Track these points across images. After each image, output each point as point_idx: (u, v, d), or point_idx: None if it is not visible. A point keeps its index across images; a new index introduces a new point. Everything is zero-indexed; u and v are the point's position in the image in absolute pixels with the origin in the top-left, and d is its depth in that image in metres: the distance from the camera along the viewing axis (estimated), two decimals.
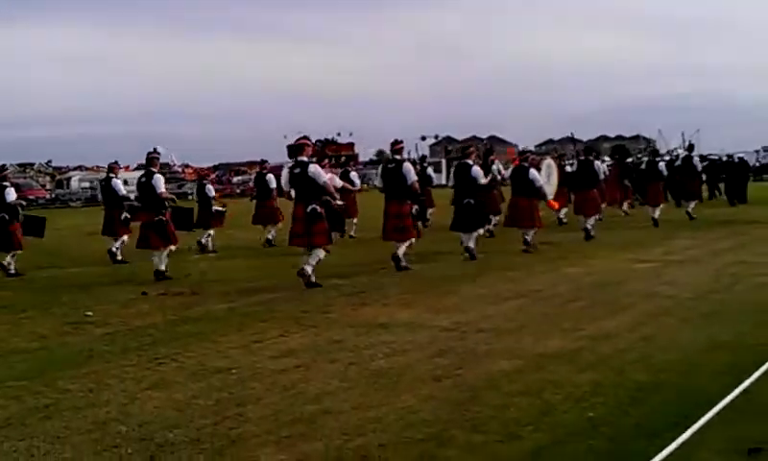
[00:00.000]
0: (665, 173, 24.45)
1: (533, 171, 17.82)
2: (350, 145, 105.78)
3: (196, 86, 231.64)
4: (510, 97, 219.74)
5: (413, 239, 15.07)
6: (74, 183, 73.63)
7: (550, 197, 18.99)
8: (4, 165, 20.37)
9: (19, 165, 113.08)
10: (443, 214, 22.65)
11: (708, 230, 21.21)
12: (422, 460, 5.24)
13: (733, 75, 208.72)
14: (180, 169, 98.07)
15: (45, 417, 6.49)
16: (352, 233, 21.78)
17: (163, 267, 15.01)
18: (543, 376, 7.15)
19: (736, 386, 6.46)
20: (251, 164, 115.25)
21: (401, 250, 14.79)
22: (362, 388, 6.97)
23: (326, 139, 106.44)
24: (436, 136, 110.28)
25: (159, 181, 15.35)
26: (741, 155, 39.21)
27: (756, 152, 64.16)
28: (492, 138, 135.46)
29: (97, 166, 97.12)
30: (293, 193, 13.48)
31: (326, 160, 21.36)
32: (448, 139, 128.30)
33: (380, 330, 9.36)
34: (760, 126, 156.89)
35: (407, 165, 15.07)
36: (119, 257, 18.28)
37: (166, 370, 7.89)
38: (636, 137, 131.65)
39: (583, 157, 21.63)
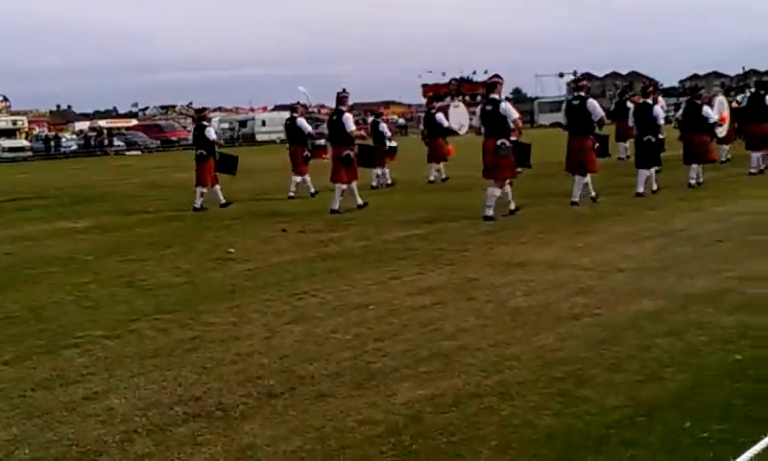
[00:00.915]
0: None
1: (706, 108, 17.70)
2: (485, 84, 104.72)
3: (329, 28, 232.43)
4: (650, 32, 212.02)
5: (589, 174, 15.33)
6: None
7: (722, 134, 18.97)
8: (205, 108, 21.72)
9: (162, 107, 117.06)
10: None
11: None
12: (561, 398, 5.16)
13: None
14: (315, 109, 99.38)
15: (191, 348, 6.72)
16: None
17: (337, 205, 15.62)
18: (687, 318, 6.92)
19: None
20: (386, 105, 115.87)
21: (587, 179, 15.15)
22: (499, 326, 6.92)
23: (462, 78, 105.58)
24: (574, 73, 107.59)
25: (349, 120, 16.10)
26: None
27: None
28: (633, 74, 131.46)
29: (236, 108, 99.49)
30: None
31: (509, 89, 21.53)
32: (587, 76, 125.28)
33: (517, 269, 9.26)
34: None
35: (592, 101, 15.29)
36: (312, 190, 19.21)
37: (305, 305, 8.04)
38: None
39: (754, 90, 21.19)
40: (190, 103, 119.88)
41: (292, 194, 19.07)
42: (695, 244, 10.41)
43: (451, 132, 22.09)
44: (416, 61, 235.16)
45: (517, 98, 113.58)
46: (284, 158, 20.37)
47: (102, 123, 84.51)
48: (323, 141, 19.90)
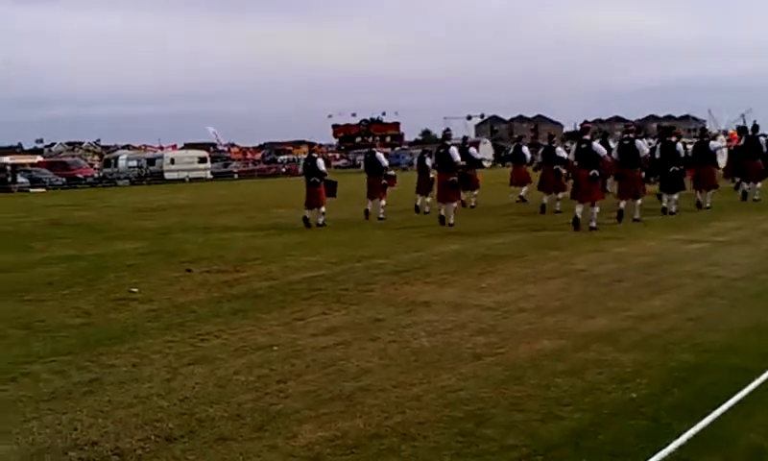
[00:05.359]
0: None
1: (713, 143, 24.16)
2: (396, 125, 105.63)
3: (240, 66, 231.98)
4: (554, 76, 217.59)
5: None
6: (121, 162, 74.12)
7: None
8: (313, 144, 26.69)
9: (68, 143, 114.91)
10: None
11: (756, 211, 20.87)
12: (461, 438, 5.20)
13: None
14: (225, 148, 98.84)
15: (89, 391, 6.56)
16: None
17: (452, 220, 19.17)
18: (586, 356, 7.08)
19: None
20: (296, 144, 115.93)
21: (596, 211, 17.74)
22: (402, 366, 6.95)
23: (372, 119, 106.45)
24: (482, 115, 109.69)
25: (455, 154, 19.98)
26: None
27: None
28: (539, 118, 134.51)
29: (144, 146, 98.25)
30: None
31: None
32: (494, 118, 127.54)
33: (421, 309, 9.33)
34: None
35: (596, 144, 18.67)
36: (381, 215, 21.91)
37: (208, 346, 7.94)
38: (686, 117, 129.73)
39: (707, 138, 24.86)
40: (98, 140, 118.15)
41: (381, 216, 21.80)
42: (595, 284, 10.66)
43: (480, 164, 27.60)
44: (324, 102, 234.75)
45: (427, 139, 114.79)
46: (191, 196, 20.14)
47: (6, 159, 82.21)
48: (392, 172, 23.83)
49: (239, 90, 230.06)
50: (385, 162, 23.40)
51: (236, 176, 72.54)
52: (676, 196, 20.82)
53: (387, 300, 10.05)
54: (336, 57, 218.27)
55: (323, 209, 20.62)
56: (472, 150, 26.33)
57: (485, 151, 30.36)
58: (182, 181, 63.99)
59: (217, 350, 7.78)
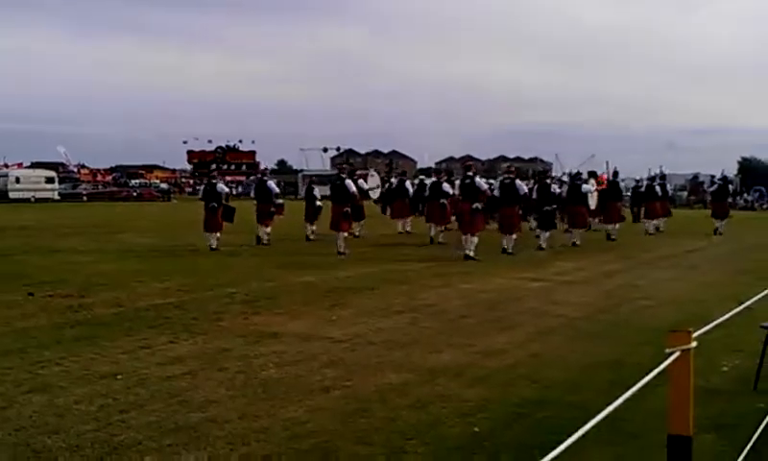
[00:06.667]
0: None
1: (585, 185, 25.35)
2: (252, 153, 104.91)
3: (93, 87, 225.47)
4: (409, 114, 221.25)
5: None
6: None
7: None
8: (213, 170, 28.73)
9: None
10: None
11: (601, 252, 21.79)
12: None
13: (626, 105, 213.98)
14: (75, 169, 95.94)
15: None
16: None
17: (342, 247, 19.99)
18: (432, 390, 7.21)
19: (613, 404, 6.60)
20: (149, 169, 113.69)
21: (474, 240, 19.41)
22: (249, 397, 6.90)
23: (228, 146, 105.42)
24: (338, 149, 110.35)
25: (351, 186, 21.27)
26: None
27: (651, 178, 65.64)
28: (394, 153, 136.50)
29: None
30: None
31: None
32: (350, 152, 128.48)
33: (270, 340, 9.29)
34: (649, 155, 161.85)
35: (479, 180, 20.47)
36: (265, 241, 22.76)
37: (48, 374, 7.66)
38: (534, 159, 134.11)
39: (579, 182, 26.19)
40: None
41: (266, 242, 22.54)
42: (442, 319, 10.87)
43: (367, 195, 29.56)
44: (180, 127, 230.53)
45: (282, 169, 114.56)
46: (37, 217, 19.49)
47: None
48: (281, 201, 25.18)
49: (92, 111, 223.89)
50: (276, 190, 24.53)
51: (85, 198, 70.46)
52: (548, 233, 22.64)
53: (236, 330, 9.95)
54: (193, 81, 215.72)
55: (218, 234, 21.14)
56: (361, 182, 27.47)
57: (373, 181, 32.96)
58: (28, 200, 61.74)
59: (57, 377, 7.52)
